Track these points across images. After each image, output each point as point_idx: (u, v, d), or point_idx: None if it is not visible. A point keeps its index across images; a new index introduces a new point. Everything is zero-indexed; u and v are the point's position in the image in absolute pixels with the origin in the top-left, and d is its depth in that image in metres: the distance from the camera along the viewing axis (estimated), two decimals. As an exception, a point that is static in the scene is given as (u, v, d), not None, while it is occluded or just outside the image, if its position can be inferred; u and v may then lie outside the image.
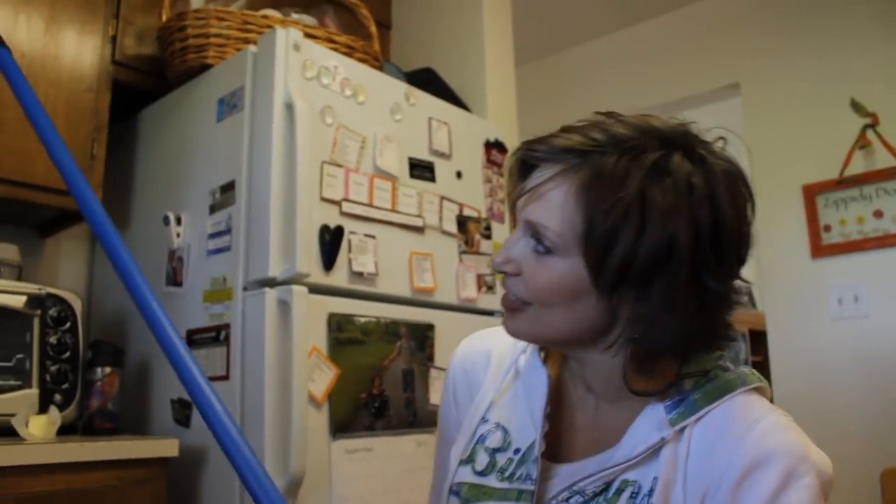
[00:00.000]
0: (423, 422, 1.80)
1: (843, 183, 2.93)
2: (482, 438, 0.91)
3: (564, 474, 0.82)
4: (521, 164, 0.83)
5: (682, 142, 0.77)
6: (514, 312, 0.82)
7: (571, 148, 0.77)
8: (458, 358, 1.03)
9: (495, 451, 0.89)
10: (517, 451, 0.87)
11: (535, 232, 0.78)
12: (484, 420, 0.92)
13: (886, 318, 2.79)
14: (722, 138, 0.81)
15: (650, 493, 0.75)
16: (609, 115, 0.82)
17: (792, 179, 3.06)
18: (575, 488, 0.80)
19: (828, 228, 2.96)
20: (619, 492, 0.77)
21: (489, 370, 0.97)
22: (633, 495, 0.76)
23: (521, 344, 0.95)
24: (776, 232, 3.10)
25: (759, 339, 5.28)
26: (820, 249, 2.96)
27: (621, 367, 0.79)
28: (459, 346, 1.05)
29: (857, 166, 2.91)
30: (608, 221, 0.72)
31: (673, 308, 0.74)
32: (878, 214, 2.85)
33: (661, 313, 0.74)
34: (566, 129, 0.81)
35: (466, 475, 0.89)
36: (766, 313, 3.17)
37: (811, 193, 3.00)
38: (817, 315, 2.95)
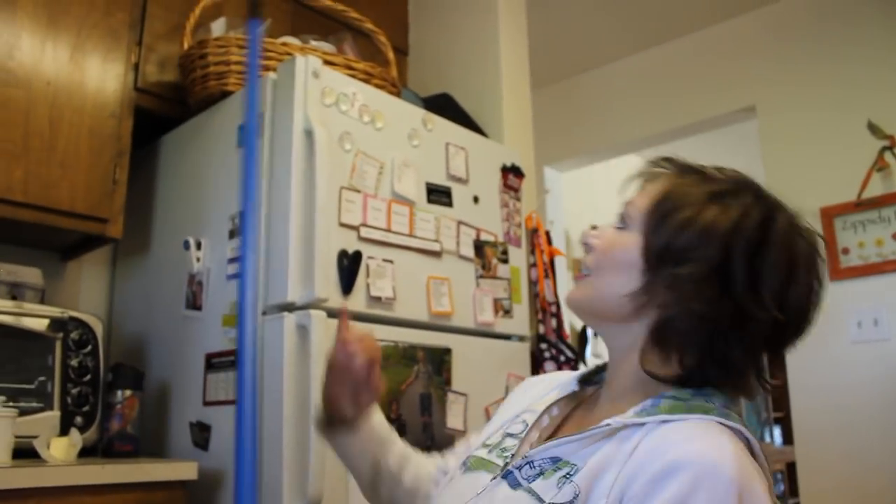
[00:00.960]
0: (440, 446, 1.80)
1: (861, 205, 2.92)
2: (507, 426, 1.00)
3: (555, 441, 0.85)
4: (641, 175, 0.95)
5: (764, 191, 0.88)
6: (577, 282, 0.93)
7: (684, 163, 0.92)
8: (513, 392, 1.15)
9: (508, 434, 0.98)
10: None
11: (623, 213, 0.91)
12: (516, 417, 1.01)
13: (907, 341, 2.76)
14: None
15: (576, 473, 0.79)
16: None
17: (810, 202, 3.05)
18: (528, 457, 0.85)
19: (846, 251, 2.95)
20: (557, 469, 0.81)
21: (539, 386, 1.08)
22: (567, 475, 0.79)
23: (573, 374, 1.04)
24: (794, 255, 3.08)
25: (777, 363, 5.23)
26: (839, 272, 2.95)
27: (638, 353, 0.86)
28: None
29: (875, 188, 2.90)
30: (668, 210, 0.85)
31: (690, 290, 0.80)
32: (897, 237, 2.84)
33: (682, 293, 0.81)
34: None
35: (481, 452, 0.97)
36: (784, 336, 3.14)
37: (829, 216, 2.99)
38: (837, 338, 2.92)
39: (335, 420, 1.10)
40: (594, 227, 0.94)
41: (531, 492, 0.81)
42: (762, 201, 0.85)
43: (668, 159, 0.94)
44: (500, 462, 0.91)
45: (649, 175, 0.93)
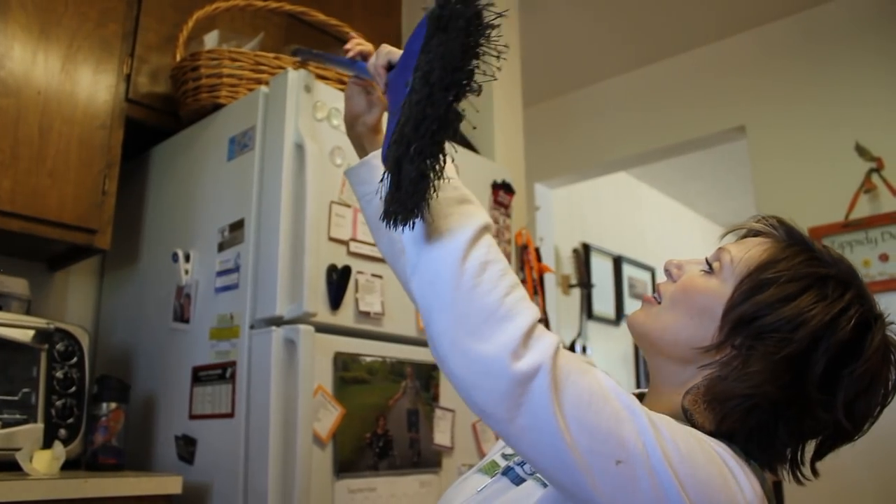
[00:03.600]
0: (427, 462, 1.80)
1: (848, 226, 2.94)
2: None
3: None
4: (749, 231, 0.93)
5: (867, 294, 0.84)
6: (646, 304, 0.91)
7: (793, 230, 0.88)
8: None
9: None
10: None
11: (715, 256, 0.88)
12: None
13: (893, 362, 2.77)
14: None
15: None
16: None
17: (798, 222, 3.04)
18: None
19: (834, 271, 2.96)
20: None
21: None
22: None
23: None
24: (782, 274, 3.10)
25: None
26: (826, 292, 2.96)
27: (684, 393, 0.84)
28: None
29: (863, 210, 2.92)
30: (768, 278, 0.81)
31: (764, 366, 0.77)
32: (884, 258, 2.86)
33: (753, 364, 0.78)
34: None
35: (497, 457, 0.97)
36: (772, 356, 3.16)
37: (817, 236, 3.01)
38: (824, 358, 2.93)
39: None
40: (679, 260, 0.92)
41: (537, 478, 0.82)
42: (864, 304, 0.82)
43: (779, 221, 0.90)
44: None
45: (755, 231, 0.91)
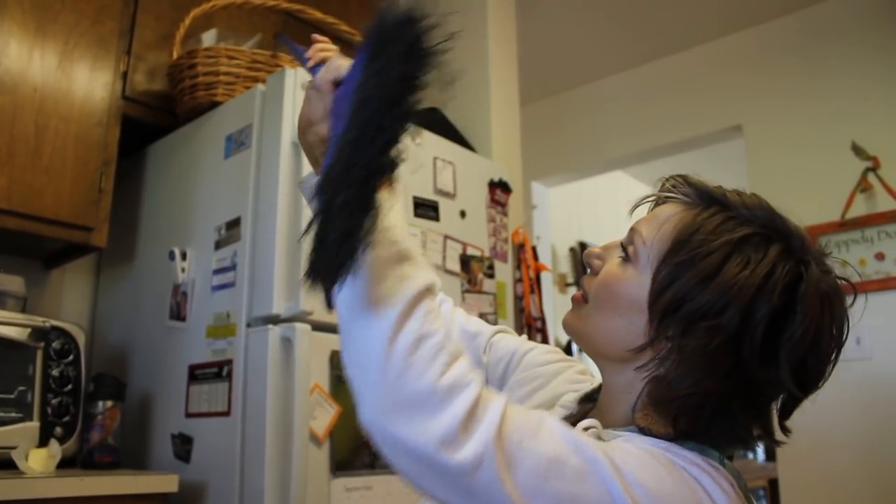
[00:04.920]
0: (423, 461, 1.80)
1: (844, 225, 2.94)
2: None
3: None
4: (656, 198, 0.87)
5: (793, 240, 0.77)
6: (575, 304, 0.86)
7: (703, 189, 0.82)
8: (563, 361, 1.07)
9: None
10: None
11: (629, 240, 0.82)
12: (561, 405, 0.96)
13: (889, 360, 2.78)
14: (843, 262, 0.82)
15: None
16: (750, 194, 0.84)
17: (794, 221, 3.07)
18: None
19: (829, 271, 2.97)
20: None
21: (557, 385, 1.01)
22: None
23: (574, 398, 0.98)
24: (778, 273, 3.10)
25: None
26: (822, 291, 2.96)
27: (633, 399, 0.79)
28: None
29: (859, 209, 2.92)
30: (684, 259, 0.75)
31: (700, 360, 0.72)
32: (880, 257, 2.86)
33: (689, 360, 0.73)
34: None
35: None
36: (768, 354, 3.16)
37: (813, 235, 3.00)
38: (819, 357, 2.94)
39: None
40: (598, 248, 0.86)
41: None
42: (790, 255, 0.75)
43: (684, 180, 0.84)
44: None
45: (665, 198, 0.84)
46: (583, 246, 4.72)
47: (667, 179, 0.86)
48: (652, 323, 0.76)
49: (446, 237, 2.03)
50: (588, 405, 0.93)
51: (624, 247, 0.82)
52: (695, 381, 0.72)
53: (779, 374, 0.73)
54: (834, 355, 0.76)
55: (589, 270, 0.86)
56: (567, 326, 0.86)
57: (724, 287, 0.72)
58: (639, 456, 0.68)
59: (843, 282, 0.79)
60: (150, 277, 2.01)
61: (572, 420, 0.92)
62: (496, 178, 2.28)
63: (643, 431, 0.76)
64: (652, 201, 0.87)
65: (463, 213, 2.11)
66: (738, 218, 0.77)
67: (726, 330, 0.71)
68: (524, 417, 0.66)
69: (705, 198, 0.81)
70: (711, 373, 0.72)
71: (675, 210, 0.81)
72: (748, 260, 0.74)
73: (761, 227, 0.77)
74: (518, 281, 2.48)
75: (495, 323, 2.10)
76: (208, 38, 2.05)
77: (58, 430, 1.68)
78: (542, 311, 2.52)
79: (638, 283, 0.78)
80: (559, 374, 1.02)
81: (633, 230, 0.82)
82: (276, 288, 1.62)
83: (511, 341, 1.11)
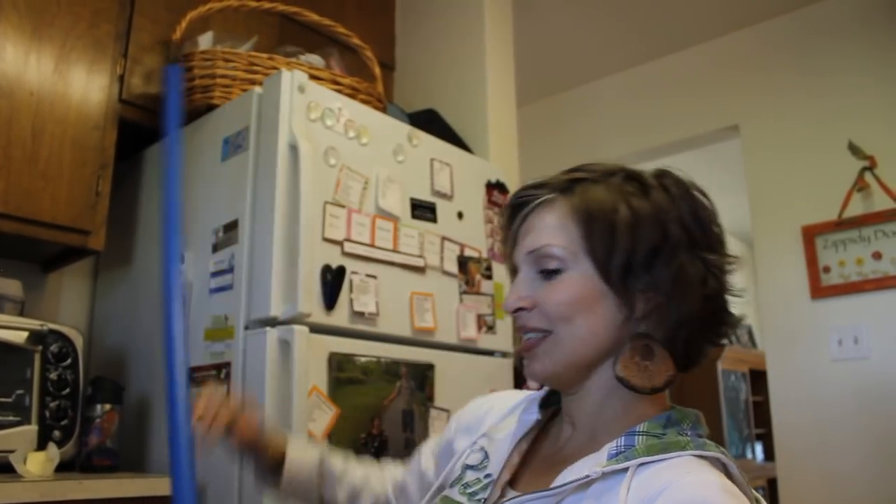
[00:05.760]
0: (422, 462, 1.80)
1: (841, 224, 2.95)
2: (465, 456, 0.97)
3: (523, 498, 0.82)
4: (513, 210, 0.90)
5: (647, 172, 0.87)
6: (533, 351, 0.85)
7: (556, 181, 0.87)
8: (464, 409, 1.09)
9: (468, 467, 0.95)
10: (488, 475, 0.91)
11: (538, 258, 0.84)
12: (473, 445, 0.98)
13: (887, 359, 2.79)
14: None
15: None
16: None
17: (791, 221, 3.08)
18: None
19: (827, 270, 2.98)
20: None
21: (490, 413, 1.02)
22: None
23: (525, 394, 1.00)
24: (776, 272, 3.11)
25: (759, 379, 5.27)
26: (819, 290, 2.97)
27: (618, 396, 0.83)
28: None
29: (856, 208, 2.93)
30: (602, 225, 0.81)
31: (683, 283, 0.79)
32: (877, 256, 2.87)
33: (673, 291, 0.79)
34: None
35: (453, 493, 0.94)
36: (766, 353, 3.17)
37: (810, 235, 3.02)
38: (817, 356, 2.95)
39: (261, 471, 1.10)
40: (512, 297, 0.87)
41: None
42: (646, 177, 0.86)
43: (537, 185, 0.88)
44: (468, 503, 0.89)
45: (531, 215, 0.87)
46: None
47: (512, 197, 0.90)
48: (620, 292, 0.81)
49: (444, 238, 2.03)
50: (548, 409, 0.95)
51: (543, 265, 0.84)
52: (684, 308, 0.79)
53: (722, 252, 0.83)
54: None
55: (524, 315, 0.86)
56: (542, 372, 0.85)
57: (650, 217, 0.80)
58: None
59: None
60: (148, 280, 2.00)
61: (543, 425, 0.94)
62: (493, 180, 2.28)
63: (623, 383, 0.80)
64: (518, 225, 0.89)
65: (460, 215, 2.11)
66: (600, 179, 0.85)
67: (678, 245, 0.80)
68: None
69: (564, 185, 0.86)
70: (691, 290, 0.79)
71: (551, 209, 0.85)
72: (644, 189, 0.83)
73: (622, 170, 0.86)
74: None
75: (493, 324, 2.10)
76: (205, 40, 2.05)
77: (56, 433, 1.68)
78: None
79: (580, 279, 0.82)
80: (448, 441, 1.06)
81: (532, 252, 0.85)
82: (274, 290, 1.62)
83: (405, 474, 1.14)
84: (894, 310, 2.80)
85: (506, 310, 0.88)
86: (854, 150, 2.94)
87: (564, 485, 0.76)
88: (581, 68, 3.85)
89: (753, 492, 0.80)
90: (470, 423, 1.03)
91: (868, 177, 2.92)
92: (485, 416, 1.02)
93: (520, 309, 0.85)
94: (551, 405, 0.95)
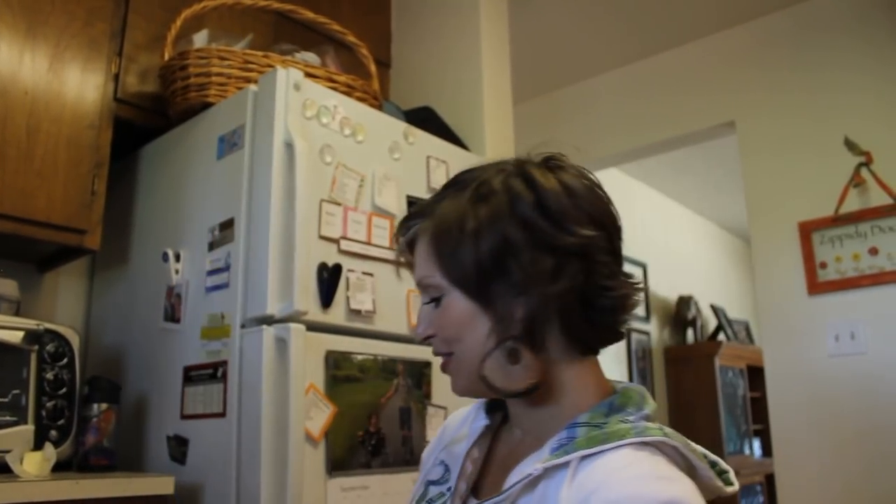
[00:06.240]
0: (419, 460, 1.79)
1: (838, 220, 2.95)
2: (427, 472, 0.98)
3: None
4: (406, 244, 0.92)
5: (510, 164, 0.88)
6: (448, 371, 0.88)
7: (425, 206, 0.89)
8: (447, 421, 1.10)
9: (430, 482, 0.96)
10: (450, 488, 0.92)
11: (423, 290, 0.88)
12: (436, 460, 0.99)
13: (883, 355, 2.79)
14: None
15: None
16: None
17: (788, 217, 3.08)
18: None
19: (823, 265, 2.98)
20: None
21: (447, 429, 1.05)
22: None
23: (478, 403, 1.01)
24: (772, 268, 3.11)
25: (757, 375, 5.27)
26: (816, 286, 2.97)
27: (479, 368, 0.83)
28: None
29: (852, 204, 2.93)
30: (451, 246, 0.82)
31: (534, 281, 0.79)
32: (874, 252, 2.87)
33: (529, 291, 0.79)
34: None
35: None
36: (763, 350, 3.17)
37: (807, 231, 3.02)
38: (814, 352, 2.95)
39: None
40: (420, 328, 0.90)
41: None
42: (494, 181, 0.84)
43: (413, 215, 0.90)
44: None
45: (415, 245, 0.89)
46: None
47: (398, 235, 0.92)
48: (487, 304, 0.82)
49: (440, 236, 2.03)
50: (500, 413, 0.96)
51: (429, 298, 0.87)
52: (542, 304, 0.79)
53: (576, 232, 0.81)
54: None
55: (434, 350, 0.89)
56: (459, 389, 0.88)
57: (489, 224, 0.80)
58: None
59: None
60: (144, 279, 2.00)
61: (495, 429, 0.95)
62: (490, 177, 2.27)
63: (485, 382, 0.82)
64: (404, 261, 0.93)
65: (457, 212, 2.10)
66: (453, 195, 0.86)
67: (523, 244, 0.79)
68: None
69: (424, 212, 0.88)
70: (545, 285, 0.79)
71: (422, 238, 0.87)
72: (486, 195, 0.82)
73: (481, 178, 0.86)
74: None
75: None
76: (200, 38, 2.04)
77: (53, 433, 1.67)
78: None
79: (456, 301, 0.84)
80: (422, 480, 1.04)
81: (418, 284, 0.88)
82: (270, 288, 1.61)
83: None
84: (891, 305, 2.80)
85: (416, 339, 0.91)
86: (850, 145, 2.94)
87: (511, 487, 0.77)
88: (577, 65, 3.84)
89: (707, 458, 0.80)
90: (433, 449, 1.04)
91: (864, 172, 2.92)
92: (443, 434, 1.04)
93: (427, 337, 0.88)
94: (502, 409, 0.96)
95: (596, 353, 0.86)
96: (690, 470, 0.77)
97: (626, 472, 0.70)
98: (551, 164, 0.89)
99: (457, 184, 0.88)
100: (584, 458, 0.74)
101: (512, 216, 0.81)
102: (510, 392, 0.83)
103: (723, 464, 0.83)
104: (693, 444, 0.80)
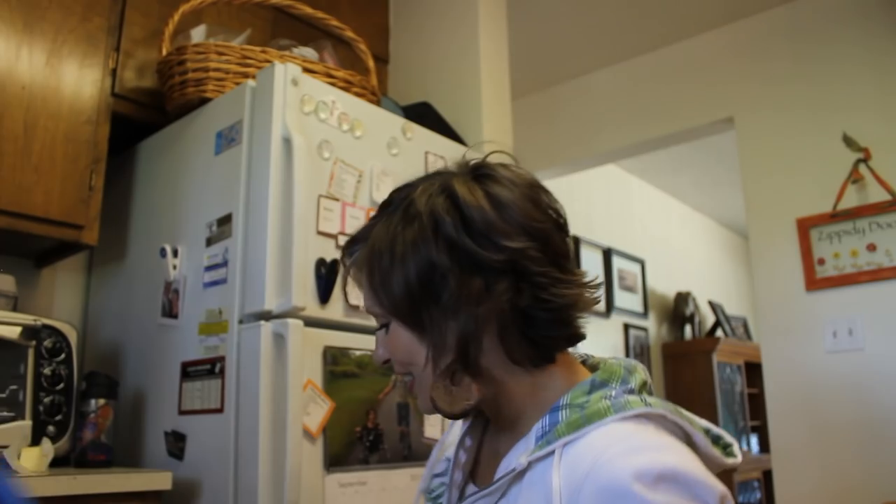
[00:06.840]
0: (417, 455, 1.80)
1: (836, 216, 2.95)
2: (432, 467, 1.00)
3: (469, 500, 0.83)
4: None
5: (437, 180, 0.86)
6: (413, 392, 0.88)
7: (357, 236, 0.89)
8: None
9: (435, 475, 0.97)
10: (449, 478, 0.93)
11: (373, 315, 0.88)
12: (445, 457, 0.99)
13: (881, 351, 2.79)
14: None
15: None
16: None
17: (786, 213, 3.08)
18: None
19: (822, 262, 2.98)
20: None
21: (452, 429, 1.04)
22: None
23: None
24: (771, 265, 3.11)
25: (754, 371, 5.28)
26: (814, 282, 2.98)
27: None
28: None
29: (851, 200, 2.93)
30: (382, 276, 0.82)
31: (464, 302, 0.78)
32: (872, 248, 2.87)
33: (460, 312, 0.78)
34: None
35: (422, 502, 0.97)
36: (761, 346, 3.17)
37: (805, 227, 3.03)
38: (812, 348, 2.95)
39: None
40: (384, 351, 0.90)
41: None
42: (418, 201, 0.83)
43: (353, 240, 0.90)
44: None
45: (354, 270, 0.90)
46: (575, 239, 4.72)
47: (347, 260, 0.91)
48: (423, 331, 0.81)
49: (438, 232, 2.02)
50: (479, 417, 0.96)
51: (379, 325, 0.88)
52: (472, 324, 0.78)
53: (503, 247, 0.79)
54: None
55: (396, 372, 0.90)
56: (424, 411, 0.88)
57: (413, 249, 0.80)
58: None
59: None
60: (142, 275, 2.00)
61: (478, 428, 0.96)
62: (488, 173, 2.27)
63: (434, 404, 0.82)
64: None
65: (455, 208, 2.10)
66: (385, 219, 0.85)
67: (448, 265, 0.78)
68: None
69: (365, 233, 0.88)
70: (480, 297, 0.78)
71: (359, 272, 0.87)
72: (408, 218, 0.82)
73: (408, 198, 0.84)
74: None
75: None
76: (197, 34, 2.04)
77: (50, 428, 1.67)
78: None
79: (397, 328, 0.84)
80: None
81: (368, 312, 0.89)
82: (268, 284, 1.61)
83: None
84: (889, 301, 2.80)
85: (376, 363, 0.91)
86: (849, 142, 2.94)
87: (498, 480, 0.77)
88: (576, 60, 3.84)
89: (699, 424, 0.80)
90: (440, 444, 1.04)
91: (863, 168, 2.92)
92: (447, 435, 1.04)
93: (385, 361, 0.89)
94: None
95: (552, 360, 0.83)
96: (687, 439, 0.76)
97: (611, 451, 0.69)
98: (480, 173, 0.86)
99: (390, 204, 0.87)
100: (567, 444, 0.73)
101: (436, 239, 0.79)
102: (454, 414, 0.83)
103: (727, 437, 0.82)
104: (689, 414, 0.79)
